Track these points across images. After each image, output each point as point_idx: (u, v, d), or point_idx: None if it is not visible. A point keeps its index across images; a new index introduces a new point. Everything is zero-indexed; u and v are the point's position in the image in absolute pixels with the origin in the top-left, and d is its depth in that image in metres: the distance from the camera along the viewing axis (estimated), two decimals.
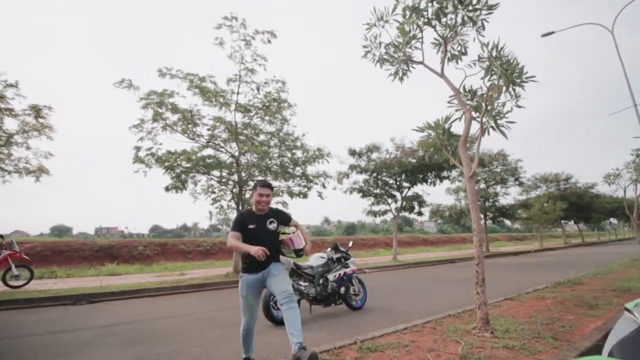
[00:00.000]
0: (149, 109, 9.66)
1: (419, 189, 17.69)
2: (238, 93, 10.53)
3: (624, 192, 10.87)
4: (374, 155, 16.63)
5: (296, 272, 5.17)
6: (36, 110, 8.19)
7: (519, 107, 3.79)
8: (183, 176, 10.16)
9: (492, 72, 3.22)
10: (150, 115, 9.74)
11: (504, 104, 3.80)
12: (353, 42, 5.25)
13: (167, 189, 10.65)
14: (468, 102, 4.14)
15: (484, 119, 3.45)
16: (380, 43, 4.02)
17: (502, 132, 3.34)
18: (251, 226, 2.91)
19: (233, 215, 11.40)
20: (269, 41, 9.97)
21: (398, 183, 17.09)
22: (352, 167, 16.63)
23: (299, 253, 2.99)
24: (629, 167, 10.51)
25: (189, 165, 10.02)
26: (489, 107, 3.35)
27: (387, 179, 17.02)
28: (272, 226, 3.02)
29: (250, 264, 2.87)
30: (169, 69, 9.62)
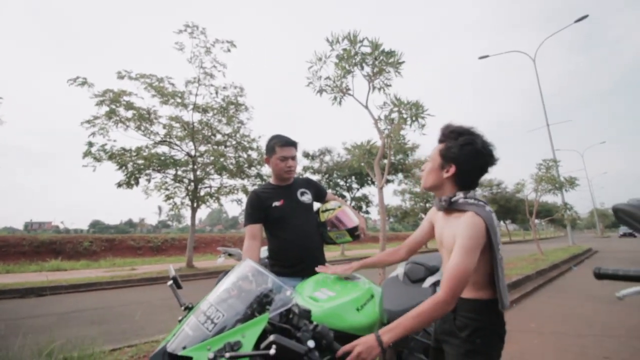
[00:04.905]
0: (103, 105, 9.74)
1: (366, 190, 19.22)
2: (196, 95, 10.98)
3: (526, 199, 13.09)
4: (327, 158, 17.84)
5: None
6: None
7: (424, 134, 5.03)
8: (137, 173, 10.32)
9: (394, 112, 4.36)
10: (104, 112, 9.82)
11: (414, 131, 5.03)
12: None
13: (119, 185, 10.71)
14: (387, 127, 5.30)
15: (392, 145, 4.60)
16: (320, 77, 5.01)
17: (406, 154, 4.51)
18: (277, 203, 1.95)
19: (187, 212, 11.73)
20: (229, 50, 10.57)
21: (348, 184, 18.45)
22: (305, 169, 17.67)
23: (354, 233, 2.05)
24: (532, 177, 12.68)
25: (142, 162, 10.22)
26: (394, 137, 4.50)
27: (338, 181, 18.31)
28: (307, 198, 2.08)
29: (283, 263, 1.95)
30: (128, 72, 9.79)
